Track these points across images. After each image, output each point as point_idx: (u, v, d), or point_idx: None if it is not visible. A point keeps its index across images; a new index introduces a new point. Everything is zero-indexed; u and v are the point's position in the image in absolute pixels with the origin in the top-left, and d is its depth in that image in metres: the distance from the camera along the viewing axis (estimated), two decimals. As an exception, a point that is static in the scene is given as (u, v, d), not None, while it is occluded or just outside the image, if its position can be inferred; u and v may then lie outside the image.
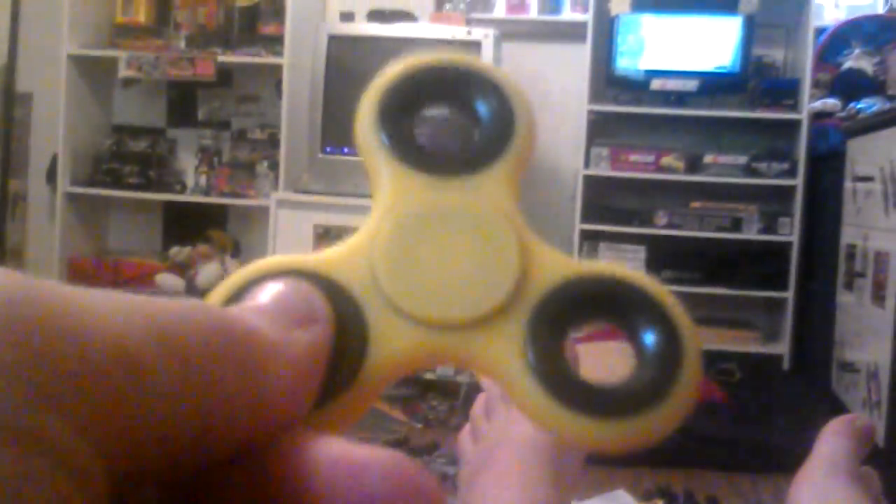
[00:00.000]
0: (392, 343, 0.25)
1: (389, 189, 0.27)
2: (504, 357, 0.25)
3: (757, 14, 3.90)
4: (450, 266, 0.26)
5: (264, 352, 0.20)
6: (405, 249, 0.26)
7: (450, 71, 0.29)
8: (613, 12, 3.94)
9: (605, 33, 3.98)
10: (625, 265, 0.27)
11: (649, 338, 0.26)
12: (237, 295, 0.25)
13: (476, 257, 0.26)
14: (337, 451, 0.20)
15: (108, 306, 0.17)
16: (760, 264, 3.89)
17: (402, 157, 0.27)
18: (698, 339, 0.26)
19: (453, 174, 0.27)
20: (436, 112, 0.31)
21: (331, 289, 0.26)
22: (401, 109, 0.28)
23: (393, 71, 0.29)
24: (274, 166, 4.07)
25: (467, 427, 0.62)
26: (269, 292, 0.23)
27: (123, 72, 4.08)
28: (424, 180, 0.27)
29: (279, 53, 3.98)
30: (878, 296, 2.75)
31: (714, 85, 3.97)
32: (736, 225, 3.87)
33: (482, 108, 0.29)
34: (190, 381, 0.18)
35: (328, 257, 0.27)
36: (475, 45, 3.60)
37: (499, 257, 0.26)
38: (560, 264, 0.27)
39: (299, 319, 0.22)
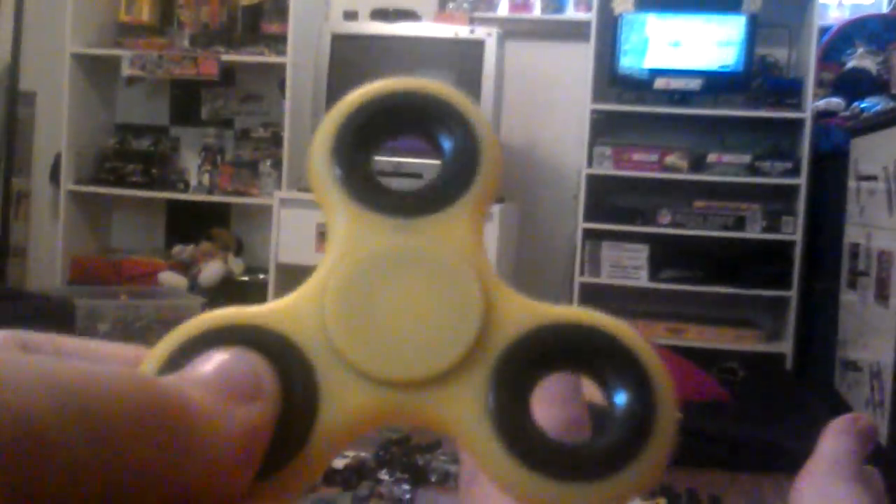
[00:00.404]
0: (345, 403, 0.24)
1: (344, 231, 0.25)
2: (465, 416, 0.24)
3: (760, 13, 3.90)
4: (407, 318, 0.24)
5: (197, 428, 0.19)
6: (359, 300, 0.24)
7: (411, 100, 0.27)
8: (617, 11, 3.94)
9: (609, 32, 3.97)
10: (594, 313, 0.25)
11: (620, 395, 0.24)
12: (180, 355, 0.23)
13: (435, 307, 0.24)
14: None
15: (20, 378, 0.17)
16: (764, 263, 3.88)
17: (357, 197, 0.25)
18: (674, 399, 0.24)
19: (413, 214, 0.25)
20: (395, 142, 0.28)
21: (277, 343, 0.24)
22: (358, 142, 0.26)
23: (348, 100, 0.27)
24: (277, 165, 4.07)
25: None
26: (212, 363, 0.22)
27: (127, 71, 4.09)
28: (381, 221, 0.25)
29: (282, 52, 3.98)
30: (882, 295, 2.75)
31: (717, 84, 3.97)
32: (739, 224, 3.87)
33: (445, 141, 0.27)
34: (102, 455, 0.17)
35: (277, 308, 0.25)
36: (478, 44, 3.60)
37: (460, 307, 0.24)
38: (526, 312, 0.25)
39: (242, 395, 0.21)
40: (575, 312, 0.25)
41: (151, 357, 0.24)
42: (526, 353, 0.24)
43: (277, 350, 0.24)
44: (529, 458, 0.23)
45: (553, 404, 0.43)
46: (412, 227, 0.25)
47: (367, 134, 0.26)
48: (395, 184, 0.26)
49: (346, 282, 0.24)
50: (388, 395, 0.24)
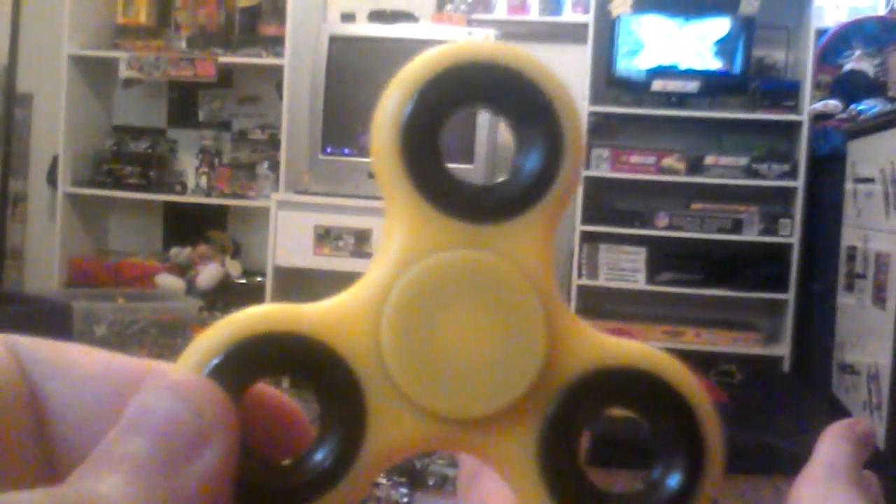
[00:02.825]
0: (393, 431, 0.22)
1: (407, 232, 0.23)
2: (514, 455, 0.23)
3: (758, 15, 3.90)
4: (468, 349, 0.22)
5: None
6: (419, 324, 0.22)
7: (491, 75, 0.23)
8: (614, 13, 3.94)
9: (606, 34, 3.98)
10: (653, 348, 0.24)
11: (671, 445, 0.23)
12: (218, 371, 0.21)
13: (499, 340, 0.22)
14: None
15: None
16: (761, 266, 3.88)
17: (426, 191, 0.23)
18: (722, 453, 0.23)
19: (484, 220, 0.23)
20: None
21: (324, 359, 0.22)
22: (429, 124, 0.23)
23: (420, 69, 0.23)
24: (274, 167, 4.07)
25: None
26: (140, 421, 0.19)
27: (124, 72, 4.08)
28: (449, 226, 0.23)
29: (280, 54, 3.98)
30: (879, 297, 2.75)
31: (715, 86, 3.97)
32: (736, 226, 3.87)
33: (525, 128, 0.24)
34: None
35: (325, 313, 0.23)
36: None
37: (524, 341, 0.22)
38: (586, 351, 0.23)
39: (185, 450, 0.19)
40: (640, 354, 0.23)
41: (187, 361, 0.22)
42: (584, 397, 0.23)
43: (324, 367, 0.22)
44: None
45: None
46: (480, 235, 0.23)
47: (440, 111, 0.23)
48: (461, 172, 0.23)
49: (407, 302, 0.22)
50: (438, 428, 0.23)
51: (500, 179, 0.24)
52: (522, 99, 0.23)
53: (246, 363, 0.22)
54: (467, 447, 0.23)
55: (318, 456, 0.22)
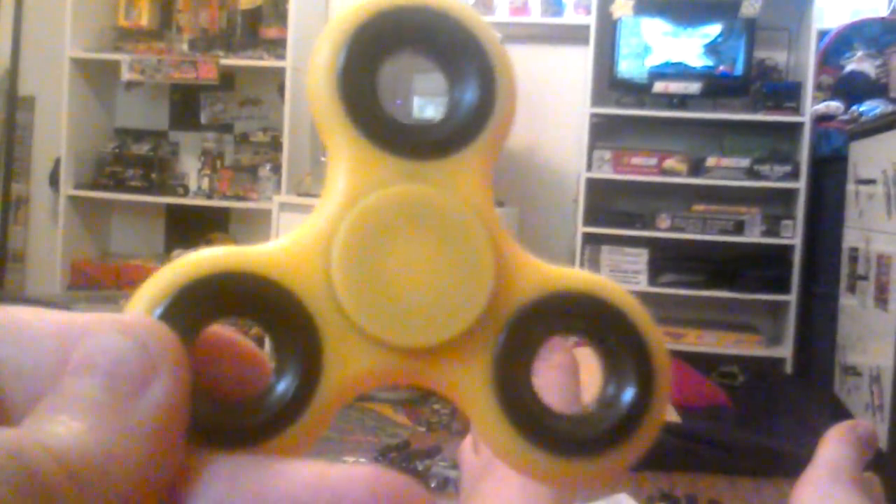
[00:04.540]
0: (350, 363, 0.23)
1: (350, 173, 0.23)
2: (469, 383, 0.23)
3: (759, 17, 3.90)
4: (418, 280, 0.23)
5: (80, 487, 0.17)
6: (368, 257, 0.23)
7: (425, 18, 0.24)
8: (616, 15, 3.94)
9: (608, 36, 3.98)
10: (608, 275, 0.25)
11: (619, 372, 0.24)
12: (170, 312, 0.22)
13: (447, 270, 0.23)
14: (312, 477, 0.19)
15: None
16: (763, 267, 3.88)
17: (365, 130, 0.23)
18: (669, 383, 0.24)
19: (424, 157, 0.24)
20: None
21: (279, 297, 0.22)
22: (367, 65, 0.23)
23: (355, 12, 0.24)
24: (276, 169, 4.07)
25: (468, 439, 0.62)
26: (88, 362, 0.20)
27: (126, 75, 4.09)
28: (391, 164, 0.23)
29: (282, 56, 3.98)
30: (881, 299, 2.75)
31: (716, 88, 3.97)
32: (738, 228, 3.87)
33: (458, 67, 0.24)
34: None
35: (277, 254, 0.23)
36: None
37: (471, 272, 0.23)
38: (534, 277, 0.24)
39: (133, 386, 0.19)
40: (583, 279, 0.24)
41: (137, 304, 0.22)
42: (533, 322, 0.24)
43: (277, 304, 0.23)
44: (530, 432, 0.23)
45: (556, 371, 0.43)
46: (422, 171, 0.23)
47: (373, 55, 0.24)
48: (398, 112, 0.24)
49: (355, 237, 0.23)
50: (393, 359, 0.23)
51: (438, 118, 0.24)
52: (453, 38, 0.24)
53: (195, 304, 0.22)
54: (423, 378, 0.23)
55: (276, 393, 0.22)
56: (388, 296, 0.23)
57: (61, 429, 0.18)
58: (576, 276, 0.24)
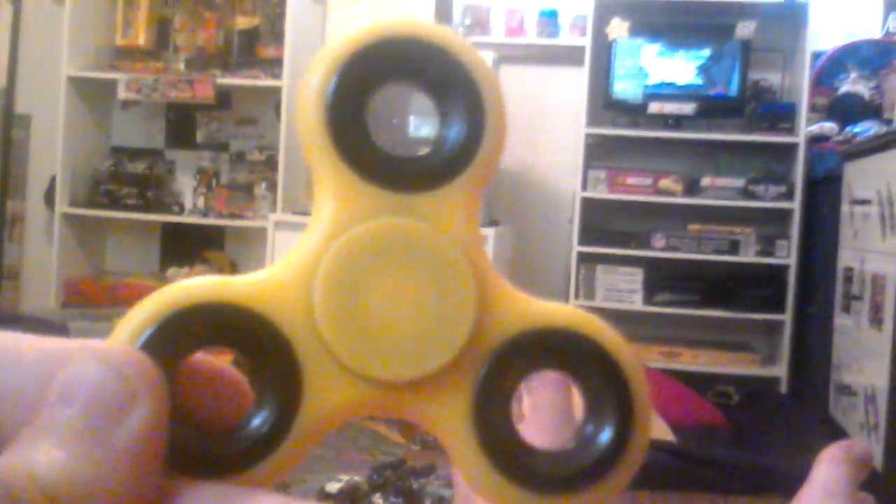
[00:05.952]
0: (329, 396, 0.23)
1: (335, 204, 0.23)
2: (449, 417, 0.23)
3: (754, 39, 3.92)
4: (400, 313, 0.23)
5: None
6: (350, 290, 0.23)
7: (415, 50, 0.24)
8: (611, 37, 3.96)
9: (603, 57, 3.99)
10: (585, 313, 0.24)
11: (600, 402, 0.24)
12: (152, 343, 0.22)
13: (430, 303, 0.23)
14: None
15: None
16: (758, 287, 3.89)
17: (352, 162, 0.23)
18: (650, 421, 0.24)
19: (410, 190, 0.24)
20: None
21: (259, 328, 0.23)
22: (355, 97, 0.23)
23: (344, 44, 0.23)
24: (272, 188, 4.07)
25: None
26: (69, 390, 0.20)
27: (123, 94, 4.10)
28: (377, 196, 0.23)
29: (278, 76, 3.99)
30: (876, 319, 2.75)
31: (711, 108, 3.99)
32: (733, 248, 3.87)
33: (447, 101, 0.24)
34: None
35: (259, 284, 0.23)
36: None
37: (454, 305, 0.23)
38: (516, 313, 0.24)
39: (112, 414, 0.20)
40: (567, 315, 0.24)
41: (121, 334, 0.22)
42: (514, 358, 0.24)
43: (258, 335, 0.23)
44: (506, 465, 0.23)
45: (549, 389, 0.43)
46: (408, 204, 0.23)
47: (362, 86, 0.24)
48: (386, 142, 0.24)
49: (337, 269, 0.23)
50: (373, 392, 0.23)
51: (425, 151, 0.24)
52: (443, 72, 0.24)
53: (178, 334, 0.22)
54: (403, 411, 0.24)
55: (255, 423, 0.23)
56: (370, 329, 0.23)
57: (43, 457, 0.19)
58: (560, 312, 0.24)
